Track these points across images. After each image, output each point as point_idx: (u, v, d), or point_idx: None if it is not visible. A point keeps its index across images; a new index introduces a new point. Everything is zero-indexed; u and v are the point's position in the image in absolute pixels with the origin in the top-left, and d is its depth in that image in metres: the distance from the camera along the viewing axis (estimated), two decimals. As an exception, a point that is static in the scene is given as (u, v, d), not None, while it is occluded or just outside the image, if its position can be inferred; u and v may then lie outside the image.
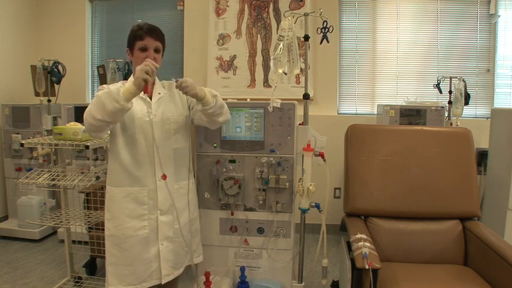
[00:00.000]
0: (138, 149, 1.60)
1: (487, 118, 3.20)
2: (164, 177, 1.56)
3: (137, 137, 1.60)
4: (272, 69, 1.88)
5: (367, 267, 1.53)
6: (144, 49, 1.59)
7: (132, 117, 1.58)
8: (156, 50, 1.62)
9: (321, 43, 2.04)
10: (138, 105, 1.58)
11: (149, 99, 1.63)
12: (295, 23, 1.90)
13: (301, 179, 1.89)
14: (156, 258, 1.64)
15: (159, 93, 1.67)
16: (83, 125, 1.52)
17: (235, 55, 3.64)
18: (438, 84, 3.20)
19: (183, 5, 3.81)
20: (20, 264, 2.86)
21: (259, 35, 3.61)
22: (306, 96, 2.04)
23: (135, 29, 1.61)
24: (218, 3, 3.65)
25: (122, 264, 1.60)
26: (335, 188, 3.52)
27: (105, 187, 1.67)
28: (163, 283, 1.66)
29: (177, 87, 1.53)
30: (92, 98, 4.04)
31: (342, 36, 3.65)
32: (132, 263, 1.60)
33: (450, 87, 3.12)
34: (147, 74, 1.40)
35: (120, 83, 1.67)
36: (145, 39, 1.58)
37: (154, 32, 1.60)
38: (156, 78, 1.69)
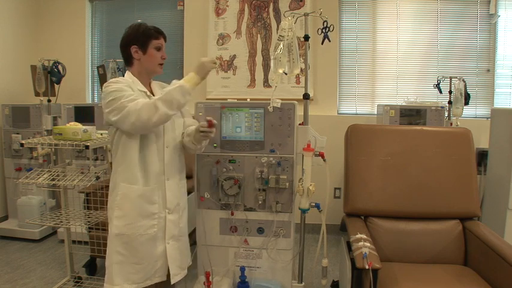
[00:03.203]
0: (151, 148, 1.61)
1: (487, 118, 3.20)
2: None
3: (150, 136, 1.61)
4: (272, 69, 1.88)
5: (367, 267, 1.53)
6: (159, 48, 1.64)
7: None
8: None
9: (322, 43, 2.04)
10: None
11: None
12: (295, 23, 1.90)
13: (301, 179, 1.89)
14: (162, 257, 1.65)
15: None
16: (133, 120, 1.48)
17: (235, 55, 3.64)
18: (438, 84, 3.20)
19: (183, 5, 3.81)
20: (20, 264, 2.86)
21: (259, 35, 3.61)
22: (306, 96, 2.04)
23: (146, 28, 1.62)
24: (218, 3, 3.65)
25: (129, 262, 1.59)
26: (335, 188, 3.52)
27: (116, 184, 1.61)
28: (172, 283, 1.68)
29: (210, 126, 1.60)
30: (91, 98, 4.06)
31: (342, 36, 3.65)
32: (139, 262, 1.60)
33: (450, 87, 3.12)
34: (214, 63, 1.58)
35: (123, 79, 1.64)
36: (160, 39, 1.64)
37: (163, 33, 1.68)
38: (152, 79, 1.73)
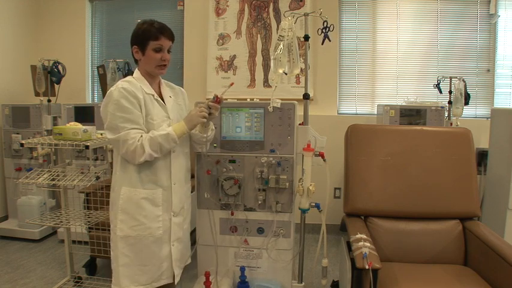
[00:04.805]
0: None
1: (487, 118, 3.20)
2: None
3: None
4: (272, 69, 1.88)
5: (367, 267, 1.53)
6: (158, 50, 1.56)
7: (152, 122, 1.58)
8: (169, 51, 1.61)
9: (322, 43, 2.04)
10: (155, 109, 1.59)
11: (163, 102, 1.64)
12: (295, 23, 1.90)
13: (301, 179, 1.89)
14: (168, 258, 1.65)
15: (170, 97, 1.69)
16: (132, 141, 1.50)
17: (235, 55, 3.64)
18: (438, 84, 3.20)
19: (183, 5, 3.81)
20: (20, 264, 2.86)
21: (259, 35, 3.61)
22: (306, 96, 2.04)
23: (147, 28, 1.55)
24: (218, 3, 3.65)
25: (135, 264, 1.59)
26: (335, 188, 3.52)
27: (118, 187, 1.60)
28: (176, 282, 1.68)
29: (217, 102, 1.62)
30: (92, 98, 4.06)
31: (342, 36, 3.65)
32: (145, 263, 1.60)
33: (450, 87, 3.12)
34: (204, 118, 1.57)
35: (132, 82, 1.59)
36: (160, 40, 1.55)
37: (168, 32, 1.58)
38: (161, 78, 1.71)
